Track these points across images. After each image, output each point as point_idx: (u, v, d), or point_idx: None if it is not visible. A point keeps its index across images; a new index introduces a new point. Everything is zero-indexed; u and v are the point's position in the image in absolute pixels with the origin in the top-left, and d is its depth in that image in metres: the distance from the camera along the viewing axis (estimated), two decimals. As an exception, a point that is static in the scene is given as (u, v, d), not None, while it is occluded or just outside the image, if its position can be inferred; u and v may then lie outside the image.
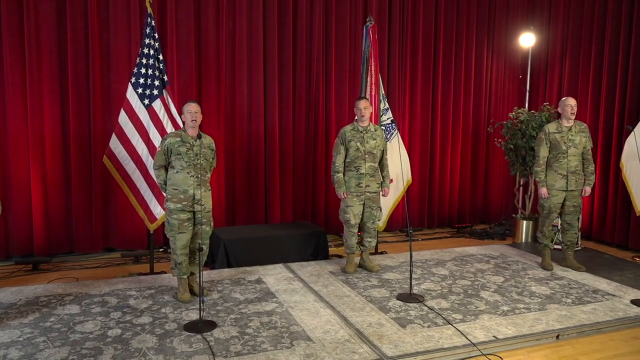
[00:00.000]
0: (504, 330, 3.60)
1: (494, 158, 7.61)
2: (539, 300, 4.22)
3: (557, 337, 3.62)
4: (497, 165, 7.65)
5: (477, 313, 3.91)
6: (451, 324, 3.67)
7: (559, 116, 5.10)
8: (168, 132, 4.60)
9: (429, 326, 3.65)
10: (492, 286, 4.56)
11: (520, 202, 6.98)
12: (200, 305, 3.55)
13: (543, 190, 4.96)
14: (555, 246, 5.44)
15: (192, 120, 3.98)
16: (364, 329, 3.59)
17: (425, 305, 4.05)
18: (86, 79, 5.34)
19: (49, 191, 5.34)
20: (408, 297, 4.19)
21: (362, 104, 4.79)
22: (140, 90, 4.70)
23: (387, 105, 5.66)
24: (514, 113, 6.53)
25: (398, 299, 4.18)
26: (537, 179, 5.03)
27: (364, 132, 4.80)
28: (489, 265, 5.25)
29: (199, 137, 3.97)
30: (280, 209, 6.29)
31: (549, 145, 4.95)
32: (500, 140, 6.69)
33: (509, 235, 6.73)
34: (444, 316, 3.82)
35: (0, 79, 5.07)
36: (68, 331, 3.46)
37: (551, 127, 4.97)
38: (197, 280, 4.09)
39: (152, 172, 4.70)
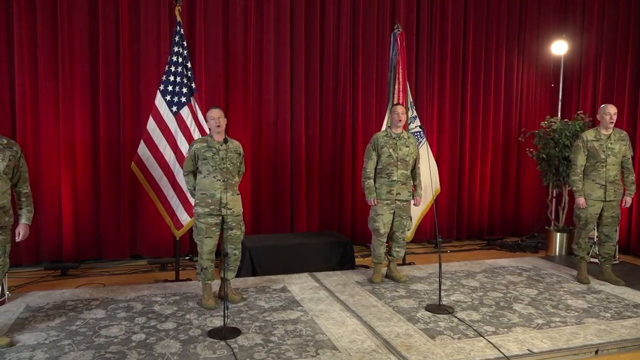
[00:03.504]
0: (539, 344, 3.43)
1: (525, 168, 7.40)
2: (576, 314, 4.03)
3: (596, 352, 3.44)
4: (529, 176, 7.44)
5: (510, 326, 3.75)
6: (483, 336, 3.53)
7: (594, 124, 4.92)
8: (195, 139, 4.61)
9: (459, 338, 3.51)
10: (525, 299, 4.38)
11: (553, 214, 6.75)
12: (224, 312, 3.50)
13: (580, 200, 4.77)
14: (592, 259, 5.22)
15: (216, 126, 3.98)
16: (392, 339, 3.47)
17: (455, 317, 3.90)
18: (116, 86, 5.44)
19: (79, 198, 5.42)
20: (437, 308, 4.05)
21: (400, 108, 4.74)
22: (168, 98, 4.74)
23: (415, 113, 5.57)
24: (546, 122, 6.35)
25: (427, 310, 4.05)
26: (573, 189, 4.84)
27: (397, 138, 4.72)
28: (522, 277, 5.06)
29: (225, 141, 3.96)
30: (306, 218, 6.23)
31: (586, 154, 4.77)
32: (532, 149, 6.51)
33: (542, 247, 6.50)
34: (475, 328, 3.68)
35: (34, 86, 5.19)
36: (93, 335, 3.46)
37: (589, 134, 4.79)
38: (228, 285, 4.06)
39: (179, 179, 4.73)
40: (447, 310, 4.02)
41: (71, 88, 5.30)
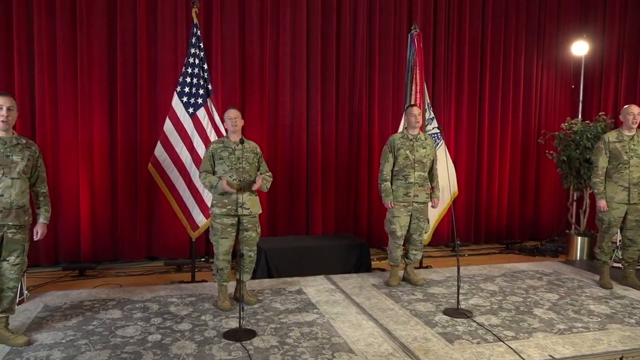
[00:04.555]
0: (561, 350, 3.34)
1: (544, 171, 7.28)
2: (599, 319, 3.92)
3: (621, 359, 3.33)
4: (548, 178, 7.31)
5: (530, 331, 3.67)
6: (503, 341, 3.45)
7: (616, 126, 4.80)
8: (211, 140, 4.62)
9: (478, 342, 3.44)
10: (545, 303, 4.28)
11: (574, 217, 6.62)
12: (240, 314, 3.48)
13: (602, 203, 4.66)
14: (615, 264, 5.09)
15: (232, 126, 3.98)
16: (409, 343, 3.41)
17: (474, 321, 3.83)
18: (134, 88, 5.48)
19: (96, 199, 5.46)
20: (455, 312, 3.98)
21: (416, 110, 4.70)
22: (185, 99, 4.75)
23: (432, 115, 5.51)
24: (566, 124, 6.23)
25: (444, 314, 3.98)
26: (595, 191, 4.73)
27: (414, 140, 4.67)
28: (542, 282, 4.96)
29: (242, 141, 3.95)
30: (321, 220, 6.20)
31: (608, 155, 4.66)
32: (552, 152, 6.39)
33: (562, 252, 6.36)
34: (494, 332, 3.60)
35: (53, 88, 5.26)
36: (109, 335, 3.46)
37: (611, 136, 4.68)
38: (244, 287, 4.05)
39: (195, 180, 4.74)
40: (466, 314, 3.95)
41: (89, 90, 5.35)
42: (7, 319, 3.34)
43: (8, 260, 3.24)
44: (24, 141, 3.32)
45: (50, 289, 4.55)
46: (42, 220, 3.43)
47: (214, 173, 4.04)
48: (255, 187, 3.97)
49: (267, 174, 4.15)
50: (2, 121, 3.15)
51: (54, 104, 5.28)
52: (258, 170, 4.12)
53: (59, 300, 4.18)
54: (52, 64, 5.24)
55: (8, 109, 3.17)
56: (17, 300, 3.50)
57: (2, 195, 3.14)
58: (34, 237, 3.40)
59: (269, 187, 4.13)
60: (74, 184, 5.37)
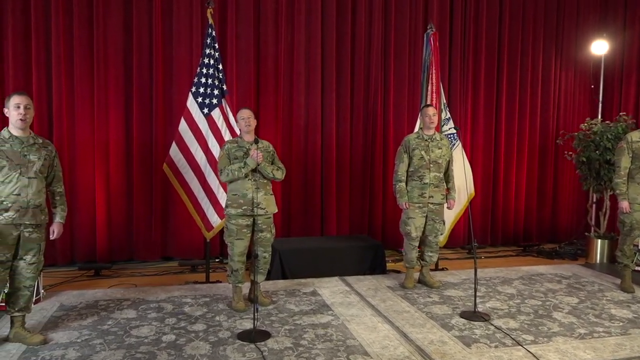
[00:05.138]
0: (582, 355, 3.26)
1: (563, 172, 7.15)
2: (621, 324, 3.82)
3: (645, 365, 3.24)
4: (567, 180, 7.18)
5: (550, 335, 3.59)
6: (521, 345, 3.37)
7: (637, 126, 4.70)
8: (226, 140, 4.61)
9: (496, 346, 3.37)
10: (565, 307, 4.19)
11: (593, 220, 6.49)
12: (254, 315, 3.46)
13: (624, 204, 4.54)
14: (636, 267, 4.97)
15: (246, 126, 3.97)
16: (425, 346, 3.36)
17: (492, 324, 3.76)
18: (149, 89, 5.49)
19: (112, 199, 5.49)
20: (472, 315, 3.91)
21: (431, 110, 4.64)
22: (200, 100, 4.76)
23: (448, 115, 5.44)
24: (586, 124, 6.12)
25: (461, 317, 3.91)
26: (616, 192, 4.61)
27: (429, 140, 4.61)
28: (561, 285, 4.86)
29: (256, 141, 3.93)
30: (336, 221, 6.15)
31: (631, 155, 4.55)
32: (571, 153, 6.28)
33: (581, 255, 6.24)
34: (512, 336, 3.52)
35: (70, 89, 5.30)
36: (124, 335, 3.46)
37: (634, 135, 4.57)
38: (258, 288, 4.03)
39: (210, 181, 4.73)
40: (483, 317, 3.88)
41: (105, 90, 5.39)
42: (24, 318, 3.36)
43: (25, 259, 3.25)
44: (40, 141, 3.34)
45: (66, 289, 4.58)
46: (58, 219, 3.44)
47: None
48: (253, 155, 3.85)
49: (280, 165, 4.12)
50: (20, 119, 3.17)
51: (71, 105, 5.32)
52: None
53: (75, 299, 4.20)
54: (69, 65, 5.28)
55: (26, 108, 3.19)
56: (34, 299, 3.52)
57: (19, 195, 3.15)
58: (50, 236, 3.42)
59: (277, 174, 4.04)
60: (90, 184, 5.40)
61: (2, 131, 3.22)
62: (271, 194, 4.07)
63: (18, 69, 5.14)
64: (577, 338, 3.53)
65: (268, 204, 4.00)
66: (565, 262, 6.00)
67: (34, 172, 3.23)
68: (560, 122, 7.09)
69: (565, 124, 7.07)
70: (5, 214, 3.12)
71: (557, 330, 3.66)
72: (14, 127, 3.20)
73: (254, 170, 3.91)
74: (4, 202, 3.12)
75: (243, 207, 3.91)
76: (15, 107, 3.16)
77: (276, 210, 4.11)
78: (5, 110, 3.21)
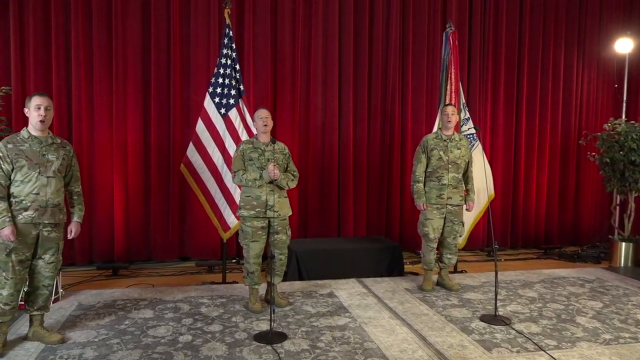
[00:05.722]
0: (608, 361, 3.16)
1: (585, 173, 6.99)
2: (648, 329, 3.71)
3: (674, 372, 3.13)
4: (590, 181, 7.02)
5: (573, 340, 3.49)
6: (544, 351, 3.28)
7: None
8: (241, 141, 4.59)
9: (518, 351, 3.29)
10: (589, 312, 4.08)
11: (617, 222, 6.33)
12: (271, 316, 3.43)
13: (649, 206, 4.42)
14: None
15: (263, 125, 3.94)
16: (445, 350, 3.29)
17: (513, 329, 3.67)
18: (167, 90, 5.52)
19: (130, 200, 5.52)
20: (493, 319, 3.82)
21: (450, 109, 4.56)
22: (217, 100, 4.75)
23: (467, 115, 5.36)
24: (609, 124, 5.97)
25: (482, 320, 3.83)
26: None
27: (448, 140, 4.54)
28: (584, 289, 4.74)
29: (273, 141, 3.91)
30: (353, 223, 6.10)
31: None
32: (594, 153, 6.13)
33: (605, 258, 6.09)
34: (535, 341, 3.44)
35: (89, 90, 5.35)
36: (141, 335, 3.46)
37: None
38: (275, 289, 4.01)
39: (226, 181, 4.72)
40: (504, 321, 3.79)
41: (124, 92, 5.42)
42: (42, 317, 3.38)
43: (43, 258, 3.27)
44: (59, 141, 3.36)
45: (84, 288, 4.61)
46: (76, 219, 3.46)
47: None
48: (270, 172, 3.80)
49: (294, 172, 4.09)
50: (40, 120, 3.20)
51: (90, 106, 5.36)
52: (286, 170, 4.06)
53: (93, 299, 4.22)
54: (89, 67, 5.33)
55: (46, 109, 3.21)
56: (52, 298, 3.54)
57: (37, 194, 3.17)
58: (68, 236, 3.44)
59: (291, 185, 4.02)
60: (108, 184, 5.44)
61: (22, 131, 3.25)
62: (285, 197, 4.04)
63: (39, 72, 5.21)
64: (602, 344, 3.43)
65: (282, 207, 3.96)
66: (588, 266, 5.86)
67: (53, 171, 3.24)
68: (582, 122, 6.94)
69: (588, 124, 6.92)
70: (25, 213, 3.14)
71: (581, 336, 3.56)
72: (34, 128, 3.22)
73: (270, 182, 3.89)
74: (23, 201, 3.14)
75: (256, 210, 3.89)
76: (36, 108, 3.19)
77: (290, 213, 4.07)
78: (26, 110, 3.24)
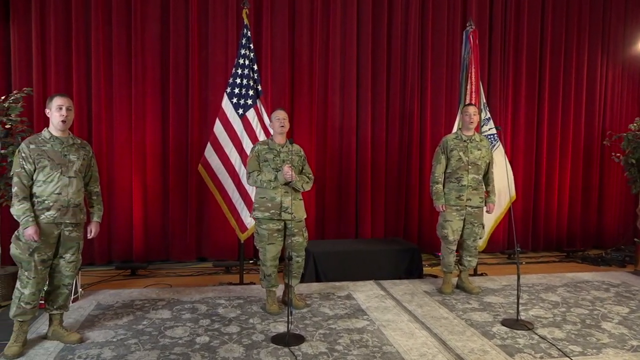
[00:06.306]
0: (636, 369, 3.06)
1: (609, 174, 6.83)
2: (677, 336, 3.58)
3: None
4: (614, 183, 6.85)
5: (599, 346, 3.38)
6: (569, 357, 3.19)
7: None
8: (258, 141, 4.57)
9: (541, 357, 3.20)
10: (615, 317, 3.96)
11: (643, 225, 6.16)
12: (288, 318, 3.39)
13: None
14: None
15: (280, 126, 3.92)
16: (466, 355, 3.22)
17: (536, 334, 3.58)
18: (185, 91, 5.53)
19: (149, 200, 5.54)
20: (515, 323, 3.74)
21: (472, 109, 4.48)
22: (235, 100, 4.74)
23: (488, 115, 5.27)
24: (635, 124, 5.82)
25: (503, 325, 3.75)
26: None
27: (468, 141, 4.46)
28: (609, 293, 4.61)
29: (291, 142, 3.88)
30: (371, 224, 6.05)
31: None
32: (618, 154, 5.98)
33: (630, 262, 5.93)
34: (559, 347, 3.34)
35: (109, 93, 5.39)
36: (158, 335, 3.46)
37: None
38: (292, 291, 3.98)
39: (244, 182, 4.71)
40: (526, 326, 3.70)
41: (143, 93, 5.45)
42: (62, 316, 3.40)
43: (64, 258, 3.29)
44: (79, 141, 3.38)
45: (103, 288, 4.64)
46: (95, 218, 3.48)
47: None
48: (286, 174, 3.77)
49: (309, 175, 4.05)
50: (62, 121, 3.21)
51: (109, 107, 5.40)
52: (301, 173, 4.03)
53: (111, 298, 4.24)
54: (108, 69, 5.37)
55: (67, 109, 3.23)
56: (72, 297, 3.56)
57: (59, 194, 3.19)
58: (88, 235, 3.45)
59: (306, 187, 3.98)
60: (127, 185, 5.47)
61: (43, 132, 3.27)
62: (300, 199, 4.00)
63: (60, 74, 5.26)
64: (629, 350, 3.32)
65: (296, 209, 3.92)
66: (612, 269, 5.71)
67: (74, 171, 3.26)
68: (606, 123, 6.78)
69: (612, 124, 6.76)
70: (47, 213, 3.16)
71: (607, 342, 3.46)
72: (55, 128, 3.24)
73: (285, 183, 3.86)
74: (46, 201, 3.16)
75: (270, 211, 3.86)
76: (58, 109, 3.21)
77: (305, 216, 4.03)
78: (47, 111, 3.26)
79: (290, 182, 3.82)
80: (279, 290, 4.20)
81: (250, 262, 5.63)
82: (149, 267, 5.41)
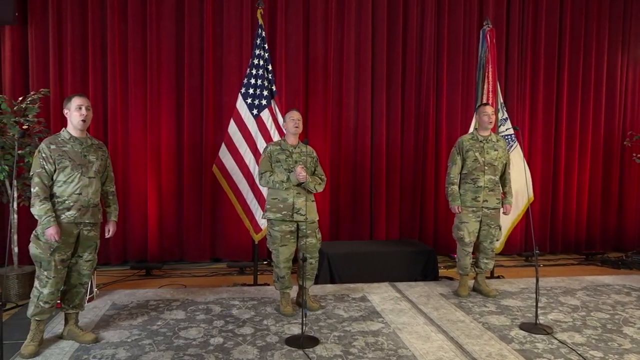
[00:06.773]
0: (660, 376, 2.97)
1: (630, 175, 6.68)
2: (702, 342, 3.48)
3: None
4: (635, 184, 6.70)
5: (621, 352, 3.30)
6: (590, 362, 3.12)
7: None
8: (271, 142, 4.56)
9: (561, 362, 3.13)
10: (637, 322, 3.86)
11: (665, 227, 6.03)
12: (302, 320, 3.37)
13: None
14: None
15: (294, 127, 3.90)
16: (483, 359, 3.16)
17: (555, 338, 3.50)
18: (200, 91, 5.54)
19: (163, 200, 5.56)
20: (533, 327, 3.66)
21: (490, 109, 4.41)
22: (249, 101, 4.73)
23: (505, 115, 5.18)
24: (657, 124, 5.69)
25: (521, 329, 3.67)
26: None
27: (484, 141, 4.39)
28: (630, 297, 4.50)
29: (306, 143, 3.85)
30: (386, 226, 5.99)
31: None
32: (639, 155, 5.85)
33: (652, 265, 5.81)
34: (579, 352, 3.27)
35: (124, 92, 5.42)
36: (173, 336, 3.45)
37: None
38: (307, 293, 3.96)
39: (258, 182, 4.69)
40: (545, 330, 3.62)
41: (158, 93, 5.47)
42: (77, 315, 3.41)
43: (82, 257, 3.30)
44: (96, 142, 3.40)
45: (118, 288, 4.66)
46: (113, 218, 3.49)
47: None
48: (298, 174, 3.74)
49: (322, 176, 4.02)
50: (82, 120, 3.23)
51: (125, 108, 5.43)
52: (313, 174, 3.99)
53: (126, 298, 4.25)
54: (124, 70, 5.40)
55: (87, 109, 3.25)
56: (87, 297, 3.57)
57: (80, 194, 3.20)
58: (106, 235, 3.47)
59: (318, 188, 3.95)
60: (142, 185, 5.50)
61: (61, 132, 3.28)
62: (312, 201, 3.96)
63: (76, 75, 5.31)
64: (652, 356, 3.24)
65: (309, 211, 3.88)
66: (633, 273, 5.59)
67: (94, 172, 3.28)
68: (627, 123, 6.64)
69: (633, 124, 6.62)
70: (68, 213, 3.17)
71: (629, 347, 3.37)
72: (74, 128, 3.25)
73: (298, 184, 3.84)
74: (66, 202, 3.17)
75: (282, 212, 3.83)
76: (77, 109, 3.22)
77: (317, 218, 3.99)
78: (66, 111, 3.27)
79: (302, 183, 3.79)
80: (293, 292, 4.17)
81: (264, 262, 5.61)
82: (163, 267, 5.43)
